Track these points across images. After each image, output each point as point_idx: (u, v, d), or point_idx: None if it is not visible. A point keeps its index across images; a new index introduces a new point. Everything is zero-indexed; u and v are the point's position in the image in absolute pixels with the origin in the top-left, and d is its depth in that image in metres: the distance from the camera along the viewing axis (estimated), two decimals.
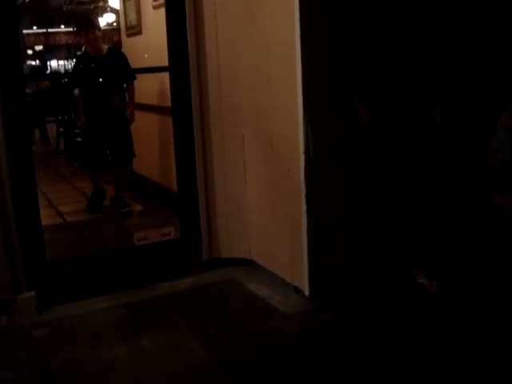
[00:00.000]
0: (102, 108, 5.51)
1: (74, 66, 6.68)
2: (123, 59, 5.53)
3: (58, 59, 22.39)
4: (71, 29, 17.97)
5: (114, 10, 12.79)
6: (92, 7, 14.69)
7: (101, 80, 5.56)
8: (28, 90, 8.24)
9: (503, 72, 3.70)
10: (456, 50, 3.66)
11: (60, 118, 9.56)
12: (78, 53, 8.93)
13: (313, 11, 3.29)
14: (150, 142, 6.07)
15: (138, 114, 6.08)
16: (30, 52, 18.95)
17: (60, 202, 6.10)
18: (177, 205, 4.36)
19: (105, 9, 14.15)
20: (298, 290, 3.63)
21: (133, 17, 6.26)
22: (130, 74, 5.64)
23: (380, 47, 3.50)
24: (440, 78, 3.55)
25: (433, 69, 3.53)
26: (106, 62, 5.49)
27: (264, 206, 3.89)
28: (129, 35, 6.50)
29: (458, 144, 3.73)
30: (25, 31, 17.11)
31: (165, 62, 4.10)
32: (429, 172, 3.61)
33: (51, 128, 10.72)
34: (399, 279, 3.68)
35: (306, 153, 3.38)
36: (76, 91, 8.25)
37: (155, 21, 5.40)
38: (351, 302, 3.52)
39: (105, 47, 5.64)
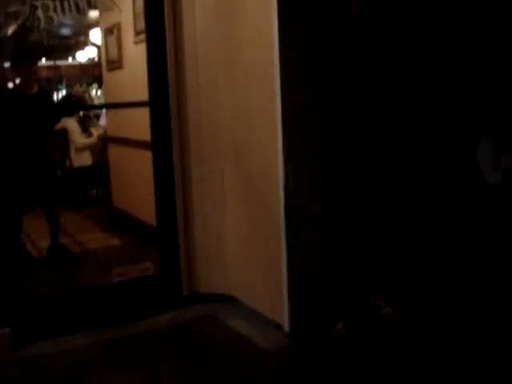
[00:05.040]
0: (33, 152, 4.88)
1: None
2: (51, 100, 5.17)
3: None
4: (52, 62, 18.01)
5: (94, 45, 12.87)
6: (73, 42, 14.75)
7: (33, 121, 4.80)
8: None
9: None
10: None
11: None
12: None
13: (292, 43, 3.34)
14: (129, 176, 6.05)
15: (117, 149, 6.06)
16: (11, 85, 18.86)
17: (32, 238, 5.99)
18: (156, 239, 4.33)
19: (86, 43, 14.22)
20: (278, 327, 3.60)
21: (114, 51, 6.28)
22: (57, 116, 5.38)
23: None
24: None
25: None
26: (37, 101, 4.97)
27: (244, 242, 3.87)
28: (110, 69, 6.52)
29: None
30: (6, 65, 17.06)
31: (146, 97, 4.10)
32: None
33: None
34: (372, 311, 3.68)
35: (286, 188, 3.38)
36: None
37: (136, 56, 5.42)
38: (332, 337, 3.50)
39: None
